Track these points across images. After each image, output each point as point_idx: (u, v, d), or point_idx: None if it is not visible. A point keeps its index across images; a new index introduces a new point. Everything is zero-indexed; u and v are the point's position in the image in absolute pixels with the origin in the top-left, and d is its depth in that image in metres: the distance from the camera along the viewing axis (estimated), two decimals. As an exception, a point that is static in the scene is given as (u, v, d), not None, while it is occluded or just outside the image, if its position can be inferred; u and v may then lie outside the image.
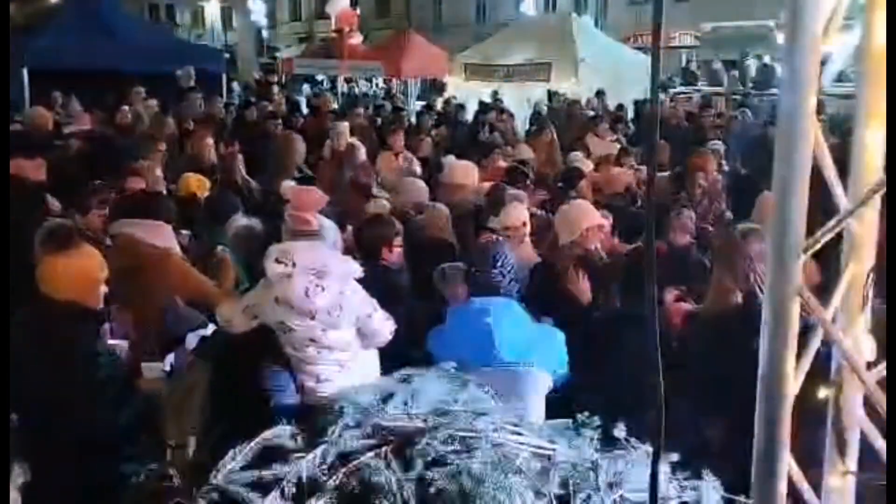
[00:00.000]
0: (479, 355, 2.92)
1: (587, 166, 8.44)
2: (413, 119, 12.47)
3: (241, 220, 4.10)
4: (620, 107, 12.73)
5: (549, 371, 3.04)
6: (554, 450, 2.45)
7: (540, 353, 3.04)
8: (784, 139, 1.47)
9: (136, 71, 12.14)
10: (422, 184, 6.30)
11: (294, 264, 2.77)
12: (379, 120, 12.04)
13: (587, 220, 4.83)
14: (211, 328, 3.53)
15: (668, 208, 6.08)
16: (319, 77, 23.21)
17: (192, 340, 3.27)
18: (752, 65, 19.54)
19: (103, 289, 3.14)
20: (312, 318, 2.81)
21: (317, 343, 2.83)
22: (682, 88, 19.66)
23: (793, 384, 1.49)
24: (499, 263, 3.16)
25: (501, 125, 11.16)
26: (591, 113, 12.06)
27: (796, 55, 1.45)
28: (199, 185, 6.25)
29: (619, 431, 2.79)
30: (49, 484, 2.52)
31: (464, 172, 6.43)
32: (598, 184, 7.90)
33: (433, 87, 18.63)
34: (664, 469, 2.60)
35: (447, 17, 37.78)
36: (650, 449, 2.75)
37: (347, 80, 20.31)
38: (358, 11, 20.18)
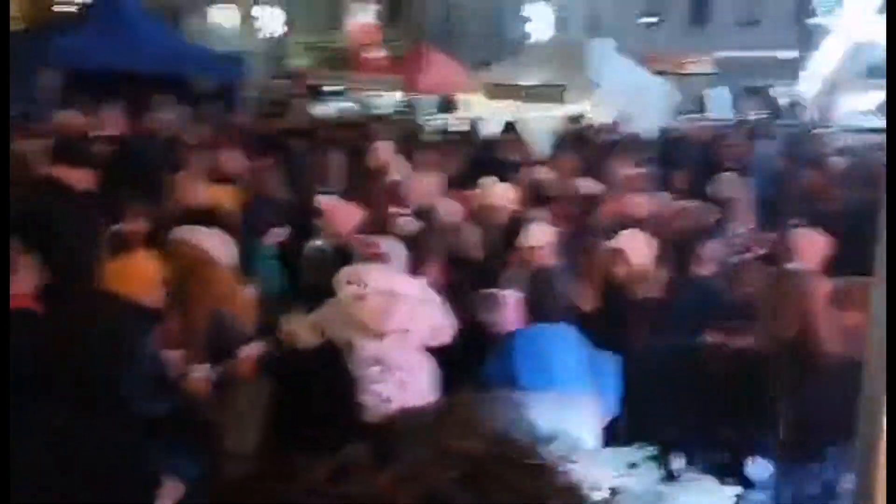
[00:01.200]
0: (539, 380, 2.99)
1: (600, 191, 8.54)
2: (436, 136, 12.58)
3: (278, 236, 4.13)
4: (640, 133, 12.83)
5: (606, 398, 3.10)
6: (618, 482, 2.51)
7: (598, 380, 3.11)
8: None
9: (156, 74, 12.12)
10: (457, 204, 6.37)
11: (366, 286, 2.84)
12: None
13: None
14: (257, 343, 3.61)
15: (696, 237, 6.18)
16: (334, 89, 23.38)
17: (251, 351, 3.35)
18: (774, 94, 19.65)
19: (161, 290, 3.24)
20: (381, 338, 2.87)
21: (382, 363, 2.89)
22: (698, 116, 19.81)
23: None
24: (557, 288, 3.23)
25: (522, 146, 11.24)
26: (613, 138, 12.15)
27: None
28: (227, 196, 6.31)
29: (678, 463, 2.85)
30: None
31: (502, 193, 6.52)
32: (620, 210, 7.98)
33: (449, 103, 18.76)
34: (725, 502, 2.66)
35: (458, 31, 38.05)
36: (711, 479, 2.81)
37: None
38: (379, 24, 20.37)
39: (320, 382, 2.90)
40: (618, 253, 5.14)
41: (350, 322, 2.86)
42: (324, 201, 5.90)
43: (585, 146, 11.39)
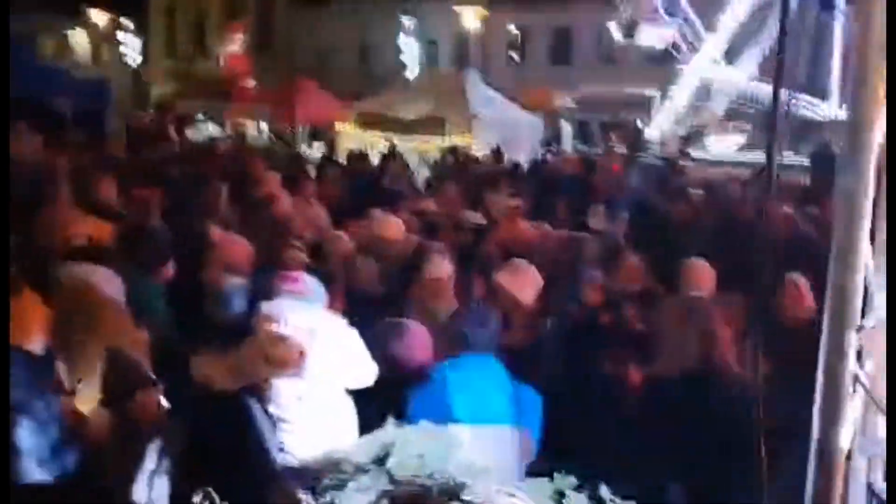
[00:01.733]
0: (470, 414, 2.97)
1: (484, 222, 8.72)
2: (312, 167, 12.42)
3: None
4: (517, 165, 13.18)
5: (531, 431, 3.12)
6: (552, 511, 2.52)
7: (521, 414, 3.12)
8: (844, 218, 1.61)
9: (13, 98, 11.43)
10: (346, 236, 6.29)
11: (286, 324, 2.74)
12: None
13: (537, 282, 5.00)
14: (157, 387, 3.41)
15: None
16: (200, 117, 22.75)
17: (152, 395, 3.15)
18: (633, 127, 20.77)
19: (49, 334, 3.03)
20: (301, 377, 2.77)
21: (304, 401, 2.79)
22: (564, 148, 20.63)
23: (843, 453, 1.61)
24: (486, 323, 3.23)
25: (403, 178, 11.30)
26: (489, 169, 12.41)
27: (858, 148, 1.60)
28: (104, 229, 5.97)
29: (605, 492, 2.89)
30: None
31: (395, 227, 6.49)
32: (505, 241, 8.13)
33: (322, 135, 18.65)
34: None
35: (329, 62, 38.00)
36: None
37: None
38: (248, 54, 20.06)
39: (238, 426, 2.76)
40: (501, 290, 5.16)
41: (270, 362, 2.75)
42: (217, 233, 5.69)
43: (465, 177, 11.57)
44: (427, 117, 15.19)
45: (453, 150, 13.91)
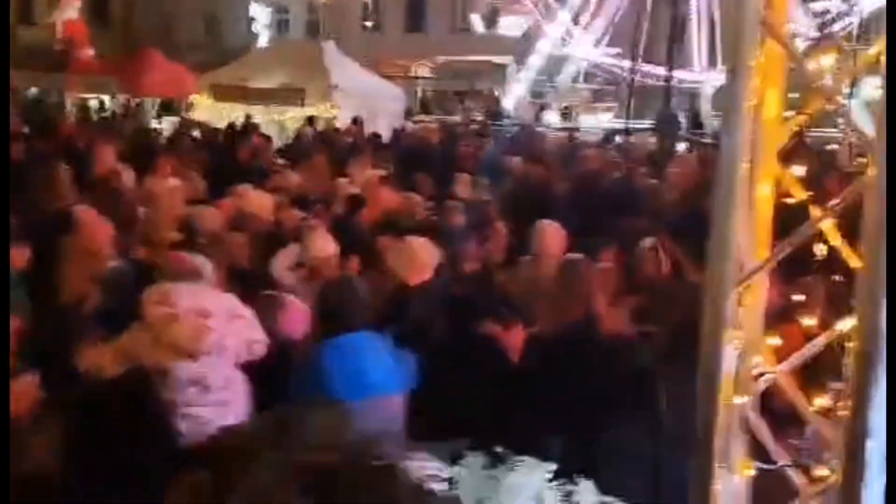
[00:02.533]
0: (354, 389, 3.00)
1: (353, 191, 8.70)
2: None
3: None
4: (378, 135, 13.13)
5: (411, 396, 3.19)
6: (451, 473, 2.61)
7: (403, 381, 3.18)
8: (724, 180, 1.73)
9: None
10: (215, 211, 6.10)
11: (176, 306, 2.66)
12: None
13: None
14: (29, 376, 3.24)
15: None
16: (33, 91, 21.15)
17: (24, 386, 2.98)
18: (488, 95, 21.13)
19: None
20: (196, 359, 2.71)
21: (199, 384, 2.73)
22: (423, 117, 20.73)
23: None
24: (358, 297, 3.24)
25: (263, 151, 11.02)
26: (350, 140, 12.31)
27: (735, 110, 1.72)
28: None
29: (500, 448, 3.02)
30: None
31: (260, 202, 6.35)
32: (373, 213, 8.12)
33: (173, 108, 17.82)
34: (546, 477, 2.87)
35: (175, 32, 36.23)
36: (531, 458, 3.02)
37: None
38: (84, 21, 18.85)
39: (131, 412, 2.67)
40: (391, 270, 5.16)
41: (162, 345, 2.67)
42: (83, 213, 5.39)
43: (330, 148, 11.43)
44: (285, 88, 14.85)
45: (312, 121, 13.67)
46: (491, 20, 22.87)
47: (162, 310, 2.66)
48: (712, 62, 23.82)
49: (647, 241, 5.80)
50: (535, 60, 23.99)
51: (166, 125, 14.33)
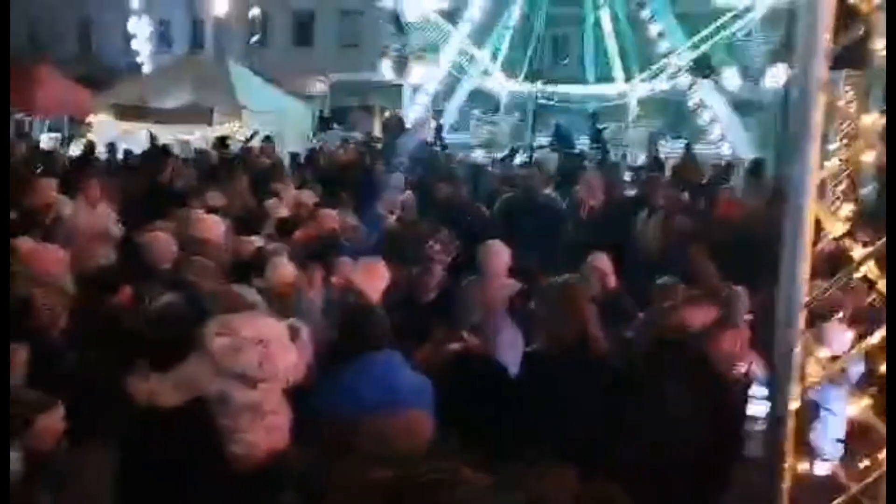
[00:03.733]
0: (384, 405, 3.20)
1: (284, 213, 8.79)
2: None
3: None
4: (295, 154, 13.16)
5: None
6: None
7: (427, 396, 3.38)
8: (793, 209, 2.02)
9: None
10: (168, 237, 6.06)
11: (236, 335, 2.77)
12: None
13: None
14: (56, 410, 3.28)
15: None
16: None
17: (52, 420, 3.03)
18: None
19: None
20: (254, 386, 2.83)
21: (253, 411, 2.85)
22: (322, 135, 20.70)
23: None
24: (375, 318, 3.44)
25: (182, 171, 10.88)
26: (267, 160, 12.29)
27: (805, 147, 2.02)
28: None
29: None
30: None
31: (210, 226, 6.36)
32: (308, 231, 8.21)
33: (64, 127, 17.13)
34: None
35: (47, 47, 34.64)
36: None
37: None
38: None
39: (189, 439, 2.78)
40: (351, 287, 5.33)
41: (226, 374, 2.78)
42: (25, 245, 5.32)
43: (249, 169, 11.38)
44: (191, 107, 14.61)
45: (223, 141, 13.53)
46: (399, 69, 23.22)
47: (225, 340, 2.77)
48: (603, 77, 24.97)
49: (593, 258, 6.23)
50: (432, 81, 24.48)
51: (74, 147, 13.78)
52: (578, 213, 10.19)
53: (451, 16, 24.54)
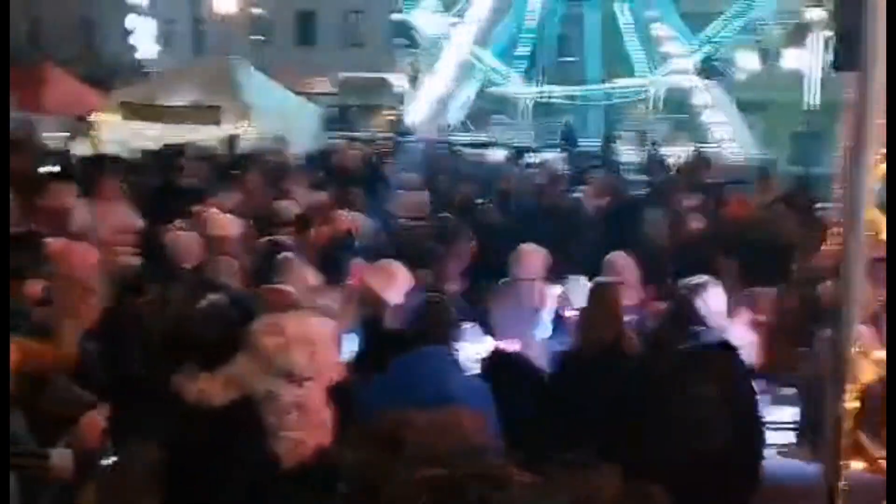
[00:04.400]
0: (435, 400, 3.22)
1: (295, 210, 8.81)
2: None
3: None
4: (308, 153, 13.17)
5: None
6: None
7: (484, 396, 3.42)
8: (852, 213, 2.05)
9: None
10: (194, 235, 6.08)
11: (284, 334, 2.81)
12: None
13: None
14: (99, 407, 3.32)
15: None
16: None
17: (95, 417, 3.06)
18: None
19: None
20: (300, 384, 2.86)
21: (300, 408, 2.88)
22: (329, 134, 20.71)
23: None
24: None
25: (198, 171, 10.90)
26: (278, 159, 12.30)
27: (863, 152, 2.04)
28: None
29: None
30: None
31: (226, 224, 6.39)
32: (323, 231, 8.21)
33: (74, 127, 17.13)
34: None
35: (49, 45, 34.70)
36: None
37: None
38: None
39: (237, 437, 2.81)
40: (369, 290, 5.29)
41: (274, 372, 2.81)
42: (55, 243, 5.33)
43: (262, 168, 11.39)
44: (199, 106, 14.63)
45: (232, 140, 13.56)
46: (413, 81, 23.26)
47: (274, 339, 2.80)
48: (606, 76, 25.01)
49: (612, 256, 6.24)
50: (438, 79, 24.54)
51: (81, 147, 13.79)
52: (590, 213, 10.23)
53: (458, 15, 24.59)
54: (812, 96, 21.65)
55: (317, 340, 2.90)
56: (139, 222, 7.60)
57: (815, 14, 23.07)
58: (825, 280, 7.42)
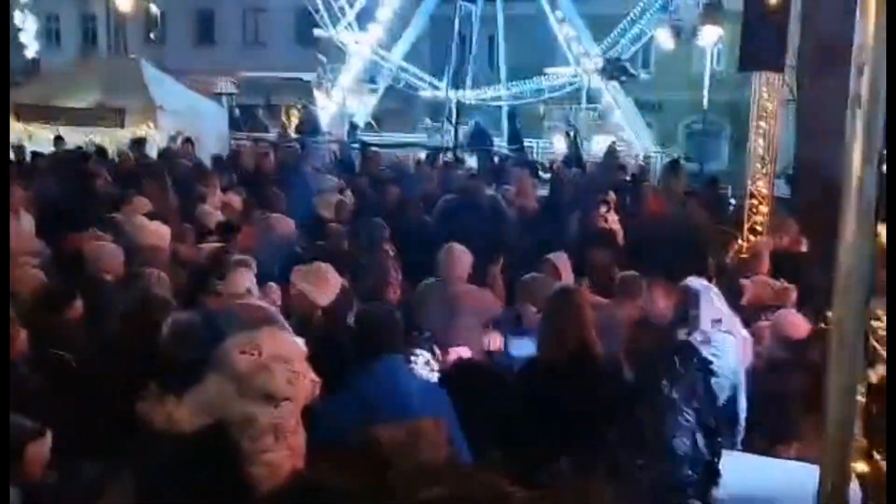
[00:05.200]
0: (403, 411, 3.12)
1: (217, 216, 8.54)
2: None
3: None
4: (219, 156, 12.73)
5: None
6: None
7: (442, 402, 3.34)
8: (859, 212, 2.04)
9: None
10: (114, 247, 5.76)
11: (261, 353, 2.64)
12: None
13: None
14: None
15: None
16: None
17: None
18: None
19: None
20: (277, 406, 2.70)
21: (276, 430, 2.73)
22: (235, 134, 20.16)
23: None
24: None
25: (103, 175, 10.36)
26: (189, 163, 11.86)
27: (872, 139, 2.03)
28: None
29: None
30: None
31: (159, 233, 6.09)
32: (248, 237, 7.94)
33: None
34: None
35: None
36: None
37: None
38: None
39: (210, 463, 2.63)
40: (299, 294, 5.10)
41: (251, 394, 2.65)
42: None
43: (172, 172, 10.94)
44: (102, 107, 13.94)
45: (139, 143, 12.96)
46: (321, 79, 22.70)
47: (250, 359, 2.64)
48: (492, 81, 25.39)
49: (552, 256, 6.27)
50: (345, 77, 24.25)
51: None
52: (512, 213, 10.29)
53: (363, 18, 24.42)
54: (706, 96, 22.58)
55: (294, 358, 2.76)
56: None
57: (709, 19, 24.11)
58: (746, 274, 7.77)
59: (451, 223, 9.30)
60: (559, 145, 18.97)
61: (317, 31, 23.64)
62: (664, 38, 22.14)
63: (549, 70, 24.14)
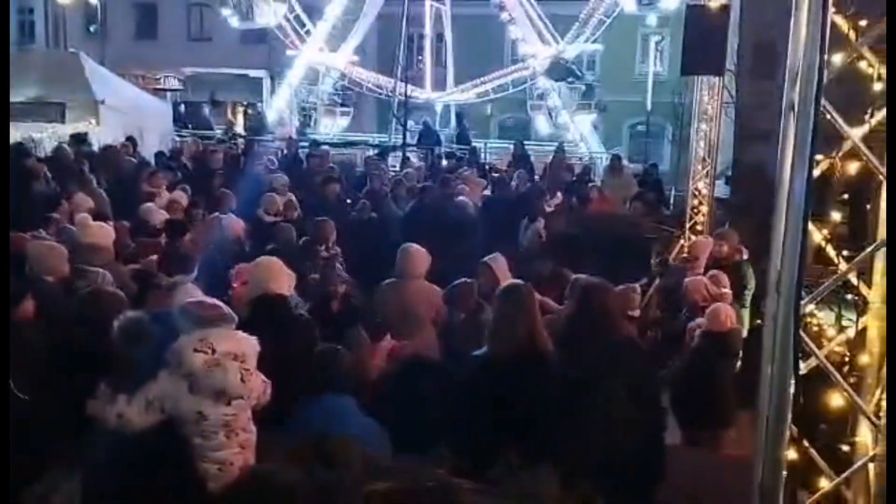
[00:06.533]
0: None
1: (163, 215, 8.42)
2: None
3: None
4: (162, 153, 12.52)
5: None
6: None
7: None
8: (791, 213, 2.16)
9: None
10: (60, 247, 5.65)
11: (214, 351, 2.64)
12: None
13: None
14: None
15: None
16: None
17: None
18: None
19: None
20: (228, 403, 2.71)
21: (227, 428, 2.74)
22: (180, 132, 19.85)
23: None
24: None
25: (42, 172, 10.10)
26: (133, 160, 11.66)
27: (804, 144, 2.15)
28: None
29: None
30: None
31: (99, 232, 5.99)
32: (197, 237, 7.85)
33: None
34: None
35: None
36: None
37: None
38: None
39: (162, 461, 2.63)
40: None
41: (203, 392, 2.66)
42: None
43: (114, 169, 10.76)
44: (41, 102, 13.55)
45: (80, 139, 12.65)
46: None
47: (204, 357, 2.64)
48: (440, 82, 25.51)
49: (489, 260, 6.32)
50: (294, 76, 24.01)
51: None
52: (461, 213, 10.33)
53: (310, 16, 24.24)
54: (649, 99, 22.99)
55: (247, 357, 2.78)
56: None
57: (653, 21, 24.68)
58: (687, 272, 7.96)
59: (397, 222, 9.37)
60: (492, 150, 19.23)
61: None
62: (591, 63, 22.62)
63: (496, 72, 24.33)
